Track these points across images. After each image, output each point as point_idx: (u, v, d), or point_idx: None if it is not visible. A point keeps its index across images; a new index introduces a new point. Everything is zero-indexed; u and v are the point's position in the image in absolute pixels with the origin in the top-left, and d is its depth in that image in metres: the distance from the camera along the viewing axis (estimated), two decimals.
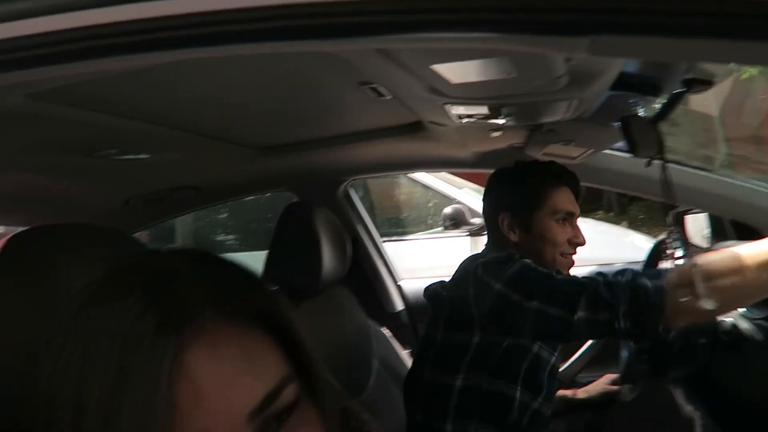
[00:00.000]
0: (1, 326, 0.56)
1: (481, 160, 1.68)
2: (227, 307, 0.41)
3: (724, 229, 1.75)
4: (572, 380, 1.85)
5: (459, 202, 3.68)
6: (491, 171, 1.47)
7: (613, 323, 1.02)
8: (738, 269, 0.99)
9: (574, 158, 1.52)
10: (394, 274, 1.98)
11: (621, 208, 8.49)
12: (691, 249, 1.16)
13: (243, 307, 0.42)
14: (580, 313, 1.04)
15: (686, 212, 1.82)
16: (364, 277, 1.93)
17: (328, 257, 1.43)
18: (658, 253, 1.44)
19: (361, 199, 2.04)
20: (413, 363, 1.41)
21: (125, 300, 0.39)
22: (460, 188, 3.81)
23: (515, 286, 1.13)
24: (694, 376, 1.29)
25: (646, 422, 1.43)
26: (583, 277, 1.12)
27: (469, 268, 1.25)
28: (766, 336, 1.28)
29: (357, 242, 1.89)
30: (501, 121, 1.10)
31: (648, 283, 1.02)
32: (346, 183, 1.89)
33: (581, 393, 1.58)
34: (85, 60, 0.45)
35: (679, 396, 1.44)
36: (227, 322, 0.40)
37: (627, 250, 3.30)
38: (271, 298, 0.45)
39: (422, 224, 4.15)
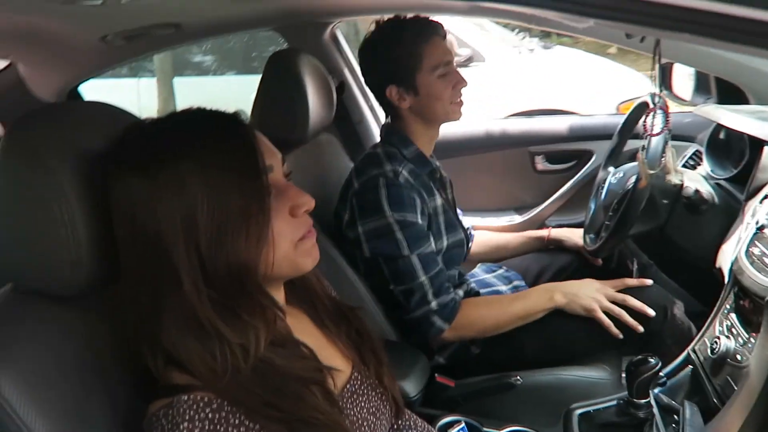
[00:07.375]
0: None
1: (473, 7, 1.60)
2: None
3: (709, 86, 1.77)
4: (543, 223, 1.99)
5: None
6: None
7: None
8: (498, 325, 1.33)
9: None
10: (378, 118, 1.99)
11: None
12: (668, 126, 1.19)
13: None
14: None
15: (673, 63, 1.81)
16: (350, 122, 1.94)
17: (314, 108, 1.43)
18: (637, 116, 1.47)
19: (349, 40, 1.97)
20: None
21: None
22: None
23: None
24: (650, 233, 1.40)
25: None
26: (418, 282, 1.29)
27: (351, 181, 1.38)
28: (723, 199, 1.39)
29: (343, 87, 1.87)
30: None
31: (437, 322, 1.30)
32: (333, 25, 1.80)
33: (553, 233, 1.71)
34: None
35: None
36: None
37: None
38: None
39: None
